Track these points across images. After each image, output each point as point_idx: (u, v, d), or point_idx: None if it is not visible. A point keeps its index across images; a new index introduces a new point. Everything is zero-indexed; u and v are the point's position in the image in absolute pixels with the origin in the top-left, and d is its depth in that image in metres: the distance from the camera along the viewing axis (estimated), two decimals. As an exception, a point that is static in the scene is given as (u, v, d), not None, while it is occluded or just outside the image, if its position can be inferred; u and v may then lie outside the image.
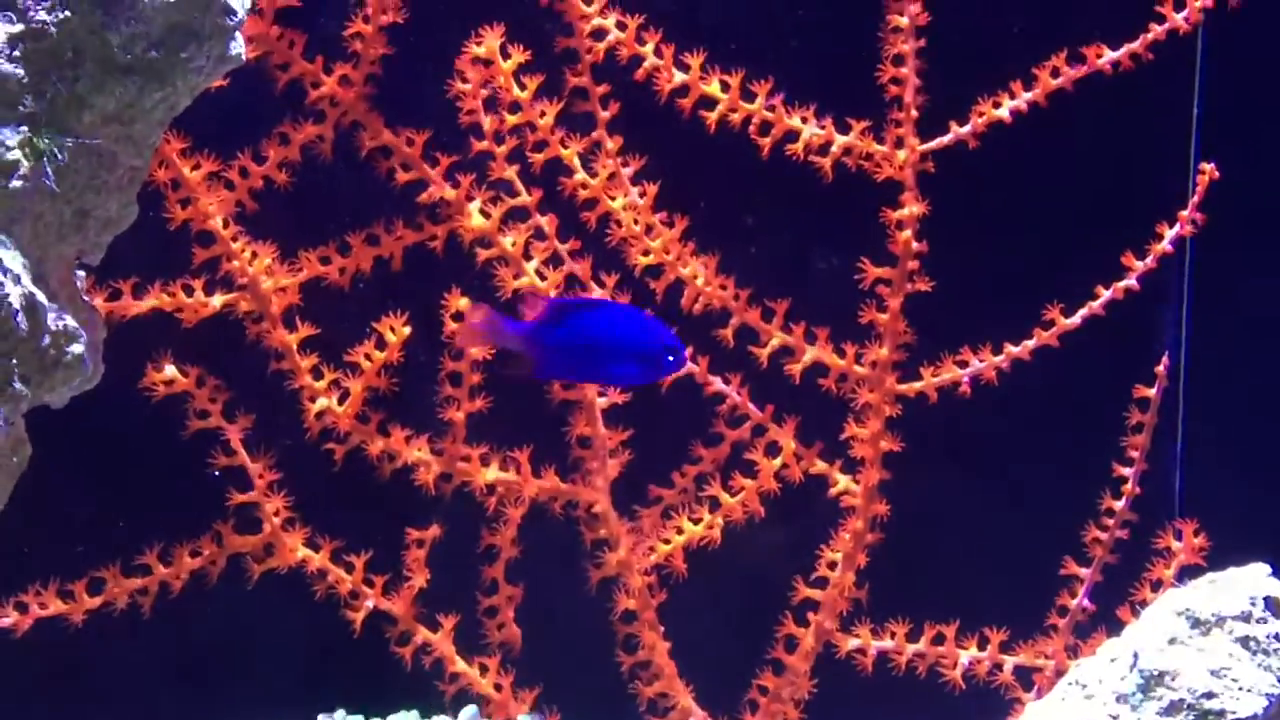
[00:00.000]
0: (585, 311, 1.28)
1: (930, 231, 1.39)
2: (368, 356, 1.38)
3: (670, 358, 1.27)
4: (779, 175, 1.40)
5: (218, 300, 1.37)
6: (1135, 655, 1.14)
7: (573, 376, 1.34)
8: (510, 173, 1.40)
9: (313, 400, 1.38)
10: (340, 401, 1.39)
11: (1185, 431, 1.59)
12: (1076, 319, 1.40)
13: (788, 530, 1.46)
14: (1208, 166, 1.39)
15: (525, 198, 1.40)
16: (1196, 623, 1.14)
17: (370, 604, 1.40)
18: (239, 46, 1.21)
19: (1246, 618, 1.15)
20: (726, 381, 1.43)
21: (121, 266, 1.30)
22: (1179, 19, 1.37)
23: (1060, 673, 1.35)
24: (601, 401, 1.42)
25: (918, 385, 1.41)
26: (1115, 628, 1.31)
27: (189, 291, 1.36)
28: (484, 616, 1.43)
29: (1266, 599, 1.16)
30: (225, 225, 1.36)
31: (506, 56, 1.37)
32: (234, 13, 1.19)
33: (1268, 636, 1.14)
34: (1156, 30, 1.38)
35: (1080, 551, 1.41)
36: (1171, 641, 1.13)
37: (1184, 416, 1.58)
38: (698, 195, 1.44)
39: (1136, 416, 1.40)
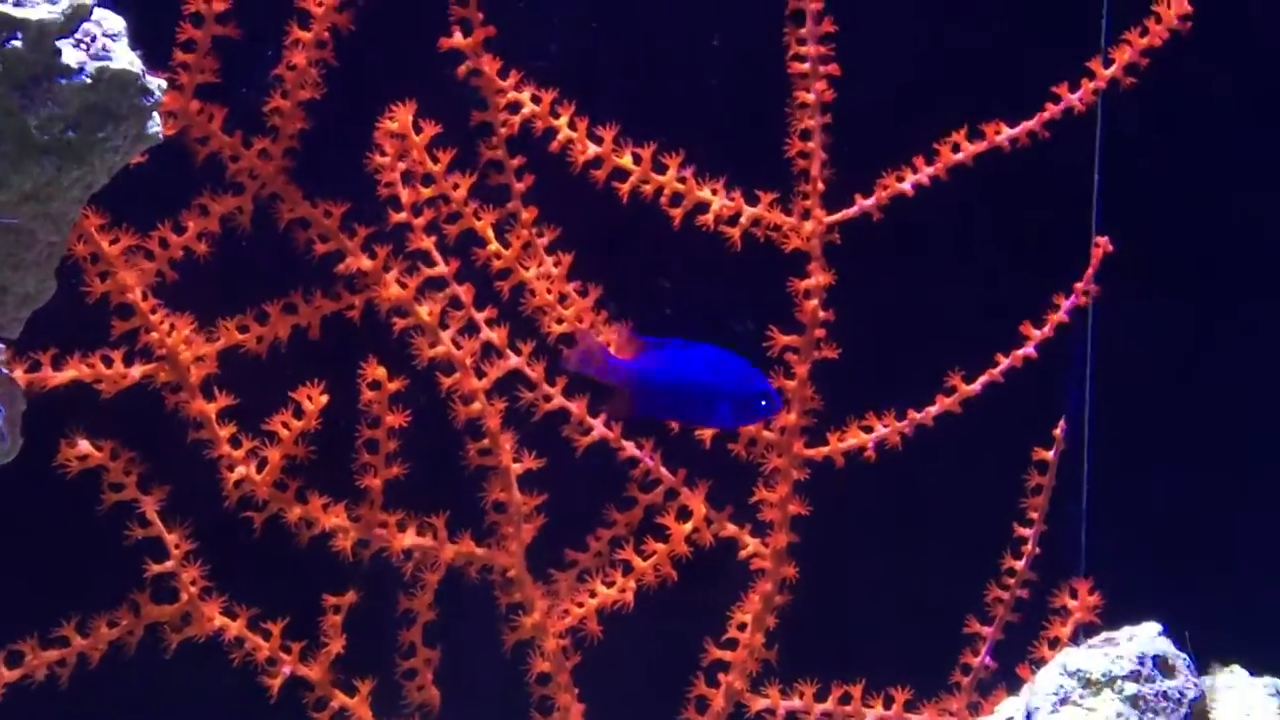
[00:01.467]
0: (681, 352, 1.35)
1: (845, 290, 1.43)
2: (285, 425, 1.41)
3: (764, 402, 1.34)
4: (695, 243, 1.45)
5: (137, 371, 1.39)
6: (1028, 715, 1.18)
7: (668, 416, 1.40)
8: (428, 243, 1.43)
9: (231, 469, 1.40)
10: (259, 469, 1.41)
11: (1090, 490, 1.63)
12: (977, 385, 1.44)
13: (706, 591, 1.49)
14: (1102, 240, 1.44)
15: (442, 268, 1.43)
16: (1087, 683, 1.18)
17: (287, 670, 1.42)
18: (156, 125, 1.23)
19: (1136, 677, 1.19)
20: (639, 446, 1.46)
21: (41, 339, 1.32)
22: (1074, 99, 1.43)
23: (963, 731, 1.40)
24: (516, 467, 1.45)
25: (824, 450, 1.45)
26: (1016, 685, 1.35)
27: (108, 363, 1.38)
28: (402, 679, 1.45)
29: (1155, 658, 1.21)
30: (144, 297, 1.38)
31: (419, 130, 1.40)
32: (151, 93, 1.21)
33: (1155, 695, 1.18)
34: (1053, 109, 1.43)
35: (983, 610, 1.46)
36: (1063, 701, 1.17)
37: (1089, 475, 1.63)
38: (615, 261, 1.49)
39: (1036, 479, 1.45)
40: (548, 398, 1.46)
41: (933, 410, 1.44)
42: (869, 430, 1.45)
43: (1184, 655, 1.25)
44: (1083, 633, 1.39)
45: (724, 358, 1.35)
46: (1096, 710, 1.16)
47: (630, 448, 1.47)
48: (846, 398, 1.45)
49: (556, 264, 1.45)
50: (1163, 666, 1.21)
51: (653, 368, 1.34)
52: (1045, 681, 1.19)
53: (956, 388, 1.45)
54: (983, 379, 1.44)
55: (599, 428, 1.46)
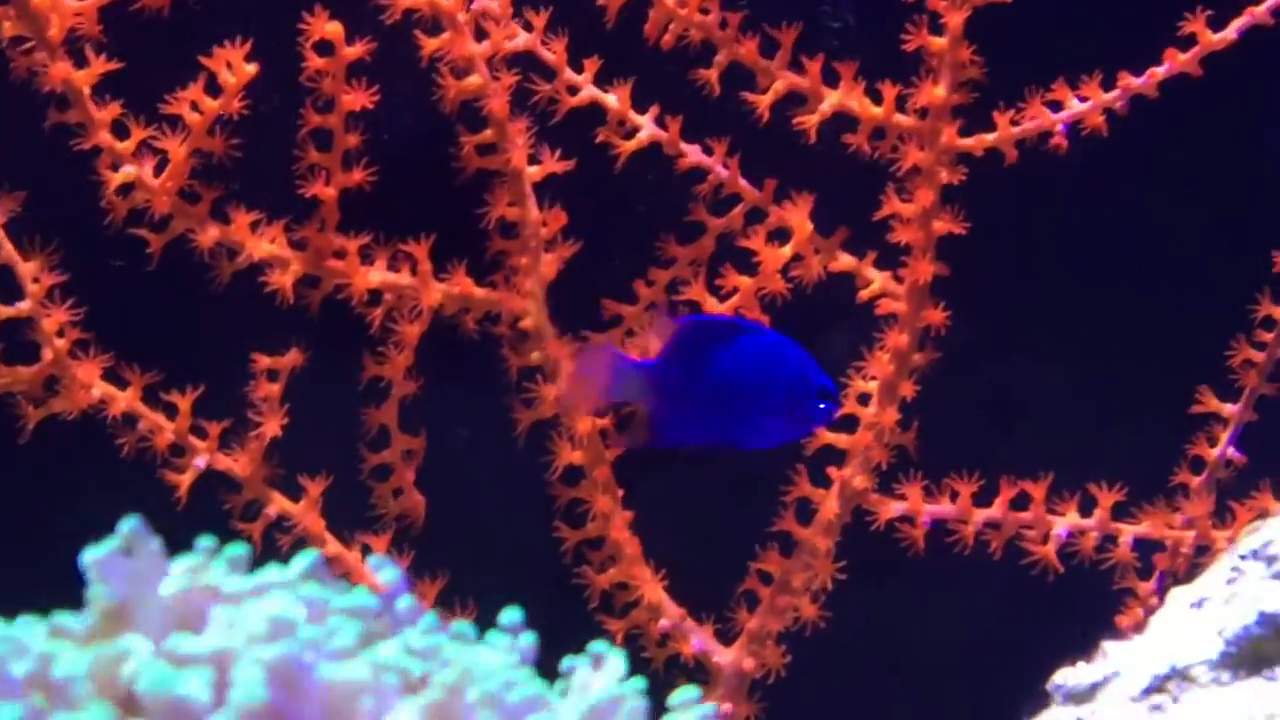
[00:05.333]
0: (719, 340, 0.91)
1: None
2: (195, 106, 0.96)
3: (823, 405, 0.91)
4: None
5: (-32, 20, 0.94)
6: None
7: (702, 438, 0.92)
8: None
9: (114, 169, 0.95)
10: (156, 172, 0.96)
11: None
12: (1231, 32, 0.96)
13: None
14: None
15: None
16: None
17: (201, 462, 0.98)
18: None
19: None
20: (708, 150, 1.00)
21: None
22: None
23: (1203, 548, 0.93)
24: (533, 171, 0.99)
25: (989, 138, 0.97)
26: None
27: (-78, 5, 0.93)
28: (372, 480, 1.01)
29: None
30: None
31: None
32: None
33: None
34: None
35: (1222, 379, 0.98)
36: None
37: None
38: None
39: (1311, 178, 0.97)
40: (573, 89, 0.99)
41: (1159, 71, 0.96)
42: (1057, 107, 0.97)
43: None
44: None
45: (768, 342, 0.91)
46: None
47: (694, 153, 1.00)
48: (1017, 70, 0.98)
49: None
50: None
51: (679, 365, 0.90)
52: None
53: (1199, 36, 0.96)
54: (1240, 22, 0.96)
55: (649, 126, 1.00)
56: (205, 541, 0.54)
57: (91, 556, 0.53)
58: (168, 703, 0.48)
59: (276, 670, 0.49)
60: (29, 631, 0.51)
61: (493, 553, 1.05)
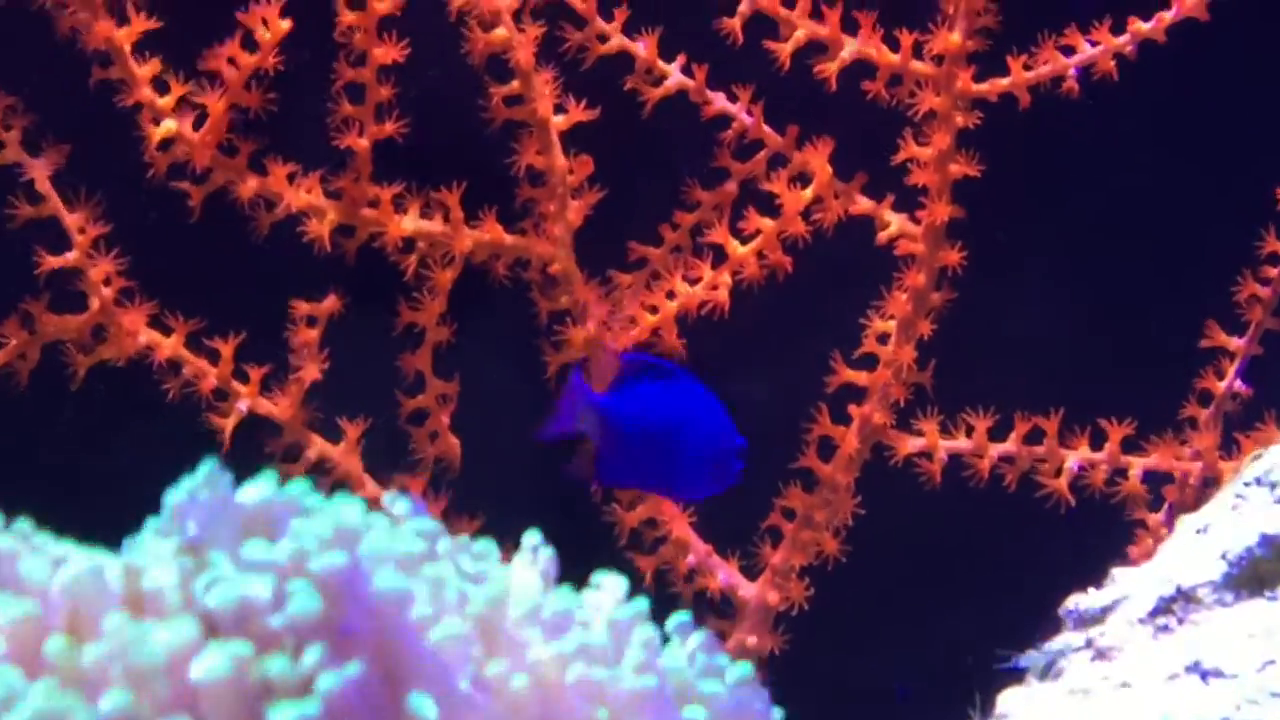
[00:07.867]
0: (657, 381, 0.92)
1: None
2: (232, 61, 0.99)
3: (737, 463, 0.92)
4: None
5: (13, -20, 0.97)
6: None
7: (636, 481, 0.95)
8: None
9: (156, 123, 0.99)
10: (196, 125, 0.99)
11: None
12: (1240, -26, 0.99)
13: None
14: None
15: None
16: None
17: (244, 406, 1.02)
18: None
19: None
20: (733, 98, 1.03)
21: None
22: None
23: (1211, 480, 0.97)
24: (559, 121, 1.02)
25: (1003, 83, 1.00)
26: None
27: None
28: (408, 425, 1.04)
29: None
30: None
31: None
32: None
33: None
34: None
35: (1229, 315, 1.02)
36: None
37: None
38: None
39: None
40: (603, 36, 1.02)
41: (1167, 16, 0.98)
42: (1069, 51, 1.00)
43: None
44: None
45: (696, 394, 0.92)
46: None
47: (719, 100, 1.03)
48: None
49: None
50: None
51: (624, 402, 0.90)
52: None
53: (1205, -20, 0.98)
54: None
55: (676, 74, 1.03)
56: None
57: (172, 499, 0.56)
58: (237, 606, 0.52)
59: (331, 578, 0.52)
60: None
61: (522, 494, 1.09)
